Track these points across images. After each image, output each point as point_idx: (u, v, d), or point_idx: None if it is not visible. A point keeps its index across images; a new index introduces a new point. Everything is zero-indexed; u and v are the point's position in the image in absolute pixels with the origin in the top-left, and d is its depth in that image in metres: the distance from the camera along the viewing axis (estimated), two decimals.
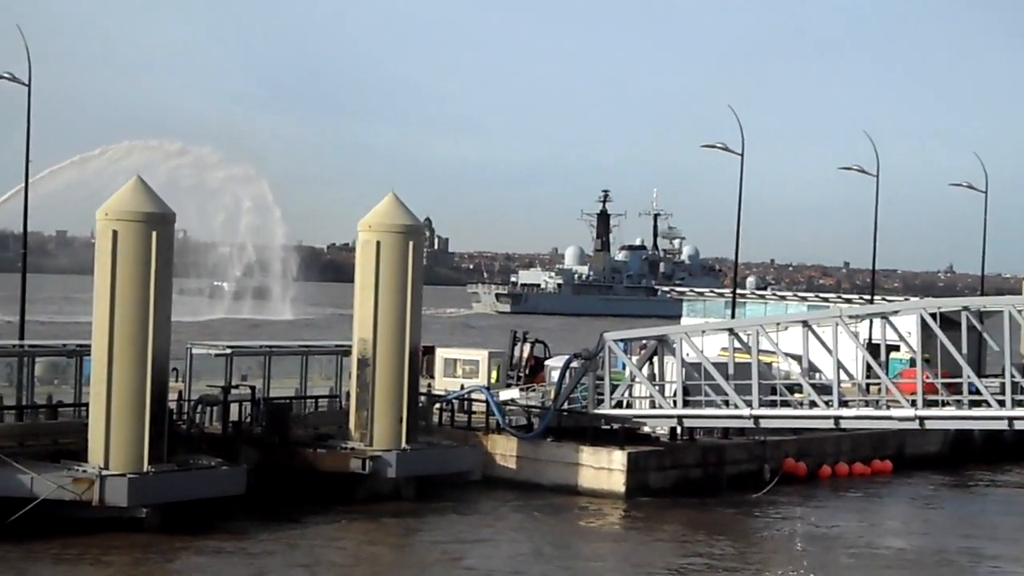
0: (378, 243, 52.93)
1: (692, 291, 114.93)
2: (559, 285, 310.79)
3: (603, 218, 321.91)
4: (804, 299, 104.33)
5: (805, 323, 54.19)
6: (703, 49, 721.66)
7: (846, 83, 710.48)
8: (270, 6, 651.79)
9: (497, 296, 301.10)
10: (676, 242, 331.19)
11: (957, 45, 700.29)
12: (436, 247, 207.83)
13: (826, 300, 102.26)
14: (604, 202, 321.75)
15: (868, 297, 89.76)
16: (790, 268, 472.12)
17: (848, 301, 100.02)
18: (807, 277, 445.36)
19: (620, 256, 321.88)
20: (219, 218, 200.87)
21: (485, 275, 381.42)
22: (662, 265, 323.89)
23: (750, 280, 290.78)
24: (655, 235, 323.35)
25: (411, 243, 53.13)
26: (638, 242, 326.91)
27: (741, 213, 72.01)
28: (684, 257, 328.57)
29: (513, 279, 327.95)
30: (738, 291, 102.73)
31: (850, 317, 55.16)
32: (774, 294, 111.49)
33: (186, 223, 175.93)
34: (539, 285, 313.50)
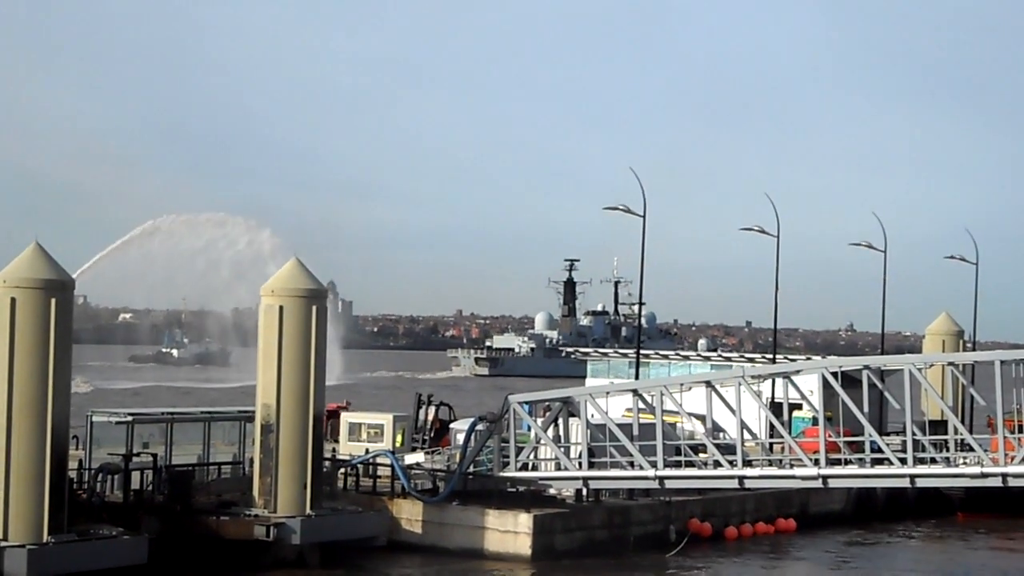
0: (281, 308, 52.68)
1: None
2: (532, 349, 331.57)
3: (569, 286, 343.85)
4: (707, 359, 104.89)
5: (708, 383, 54.56)
6: (606, 112, 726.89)
7: (747, 145, 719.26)
8: (175, 71, 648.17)
9: (476, 360, 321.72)
10: (635, 308, 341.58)
11: (855, 109, 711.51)
12: (340, 310, 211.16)
13: (729, 360, 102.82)
14: (570, 271, 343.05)
15: (771, 356, 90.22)
16: (693, 328, 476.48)
17: (751, 360, 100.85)
18: (710, 336, 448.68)
19: (585, 321, 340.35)
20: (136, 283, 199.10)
21: (465, 341, 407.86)
22: (624, 329, 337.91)
23: (701, 343, 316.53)
24: (616, 301, 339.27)
25: (314, 307, 52.93)
26: (600, 308, 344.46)
27: (644, 274, 72.51)
28: (643, 321, 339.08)
29: (488, 343, 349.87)
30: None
31: (753, 377, 55.69)
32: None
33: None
34: (513, 349, 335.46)
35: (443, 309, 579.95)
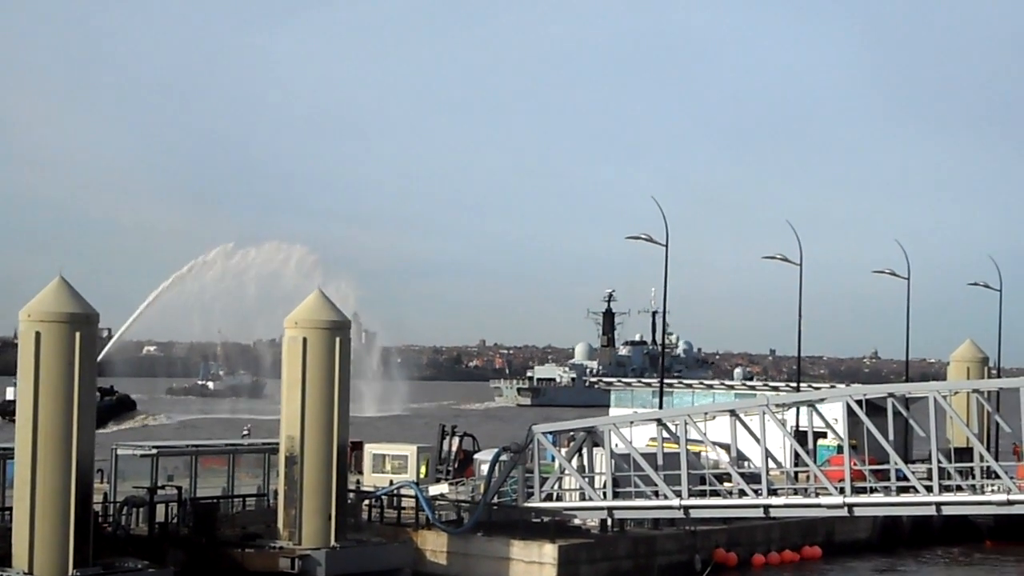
0: (304, 340, 52.66)
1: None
2: (572, 379, 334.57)
3: (608, 316, 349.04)
4: (731, 387, 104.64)
5: (733, 412, 54.32)
6: (634, 139, 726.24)
7: (770, 172, 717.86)
8: (199, 107, 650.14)
9: (518, 391, 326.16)
10: (672, 337, 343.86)
11: (878, 135, 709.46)
12: (363, 341, 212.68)
13: (753, 388, 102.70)
14: (609, 301, 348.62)
15: (795, 385, 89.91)
16: (717, 356, 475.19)
17: (775, 389, 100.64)
18: (733, 365, 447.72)
19: (624, 351, 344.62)
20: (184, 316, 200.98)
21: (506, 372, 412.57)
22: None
23: (737, 371, 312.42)
24: (653, 331, 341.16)
25: (338, 339, 52.90)
26: (638, 338, 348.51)
27: (667, 302, 72.40)
28: (679, 351, 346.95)
29: (530, 374, 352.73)
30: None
31: (777, 405, 55.52)
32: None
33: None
34: (555, 380, 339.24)
35: (466, 339, 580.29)
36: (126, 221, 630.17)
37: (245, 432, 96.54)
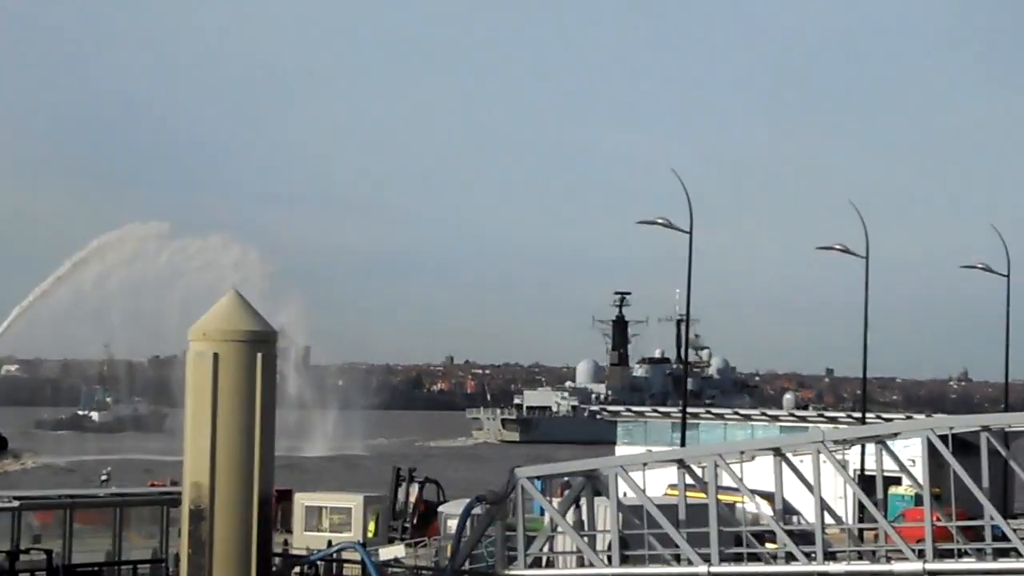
0: (215, 356, 52.06)
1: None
2: (574, 407, 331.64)
3: (620, 326, 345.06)
4: (775, 419, 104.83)
5: (778, 451, 54.00)
6: (640, 96, 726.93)
7: (826, 139, 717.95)
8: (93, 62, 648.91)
9: (503, 422, 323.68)
10: (703, 353, 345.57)
11: (966, 93, 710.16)
12: (293, 357, 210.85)
13: (804, 420, 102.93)
14: (620, 306, 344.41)
15: (858, 415, 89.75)
16: (756, 377, 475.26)
17: (833, 421, 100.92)
18: (779, 389, 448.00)
19: (640, 371, 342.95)
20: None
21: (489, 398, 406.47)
22: (689, 381, 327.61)
23: (787, 398, 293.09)
24: (679, 345, 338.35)
25: (260, 355, 52.31)
26: (658, 354, 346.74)
27: (691, 308, 72.05)
28: (712, 371, 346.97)
29: (518, 401, 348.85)
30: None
31: (836, 442, 55.19)
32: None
33: None
34: (550, 408, 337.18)
35: (428, 355, 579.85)
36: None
37: (104, 477, 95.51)
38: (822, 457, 52.89)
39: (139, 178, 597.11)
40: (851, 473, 58.18)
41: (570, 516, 56.49)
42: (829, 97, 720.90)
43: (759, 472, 55.69)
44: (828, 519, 53.74)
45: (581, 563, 56.29)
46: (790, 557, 53.32)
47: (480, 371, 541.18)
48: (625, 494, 55.95)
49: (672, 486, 59.38)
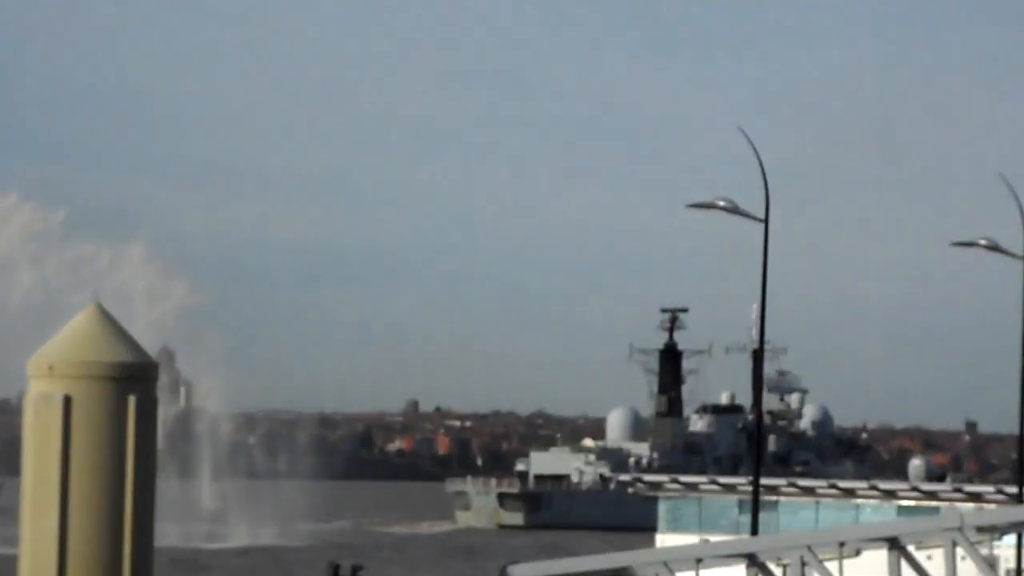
0: (67, 400, 41.27)
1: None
2: (602, 476, 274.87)
3: (670, 359, 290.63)
4: (892, 495, 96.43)
5: (895, 542, 45.15)
6: (696, 34, 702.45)
7: (960, 98, 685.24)
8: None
9: (501, 498, 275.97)
10: (792, 399, 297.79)
11: None
12: (184, 403, 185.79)
13: (934, 497, 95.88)
14: (671, 330, 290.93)
15: (1014, 491, 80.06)
16: (864, 433, 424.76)
17: (976, 498, 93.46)
18: (897, 450, 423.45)
19: (699, 424, 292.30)
20: None
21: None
22: (770, 440, 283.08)
23: (914, 464, 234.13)
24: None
25: (132, 398, 39.72)
26: (726, 399, 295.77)
27: (766, 326, 59.62)
28: (806, 425, 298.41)
29: (521, 467, 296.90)
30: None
31: (979, 529, 46.43)
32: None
33: None
34: (568, 478, 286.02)
35: (383, 401, 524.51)
36: None
37: None
38: (959, 551, 44.38)
39: None
40: (1003, 572, 53.60)
41: None
42: (965, 38, 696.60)
43: (868, 572, 48.03)
44: None
45: None
46: None
47: (457, 423, 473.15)
48: None
49: None
